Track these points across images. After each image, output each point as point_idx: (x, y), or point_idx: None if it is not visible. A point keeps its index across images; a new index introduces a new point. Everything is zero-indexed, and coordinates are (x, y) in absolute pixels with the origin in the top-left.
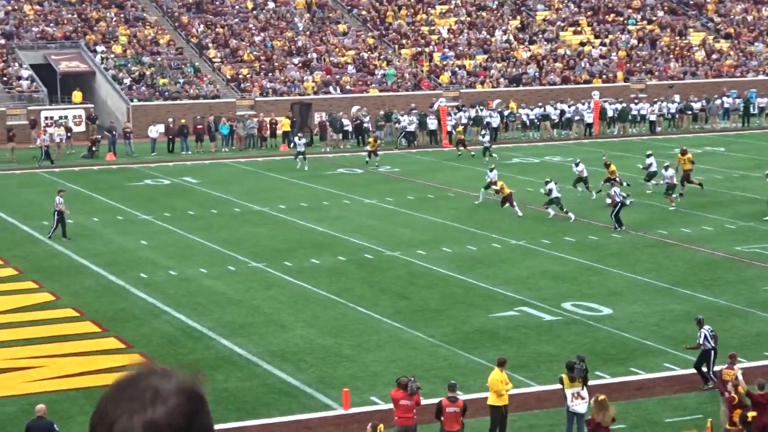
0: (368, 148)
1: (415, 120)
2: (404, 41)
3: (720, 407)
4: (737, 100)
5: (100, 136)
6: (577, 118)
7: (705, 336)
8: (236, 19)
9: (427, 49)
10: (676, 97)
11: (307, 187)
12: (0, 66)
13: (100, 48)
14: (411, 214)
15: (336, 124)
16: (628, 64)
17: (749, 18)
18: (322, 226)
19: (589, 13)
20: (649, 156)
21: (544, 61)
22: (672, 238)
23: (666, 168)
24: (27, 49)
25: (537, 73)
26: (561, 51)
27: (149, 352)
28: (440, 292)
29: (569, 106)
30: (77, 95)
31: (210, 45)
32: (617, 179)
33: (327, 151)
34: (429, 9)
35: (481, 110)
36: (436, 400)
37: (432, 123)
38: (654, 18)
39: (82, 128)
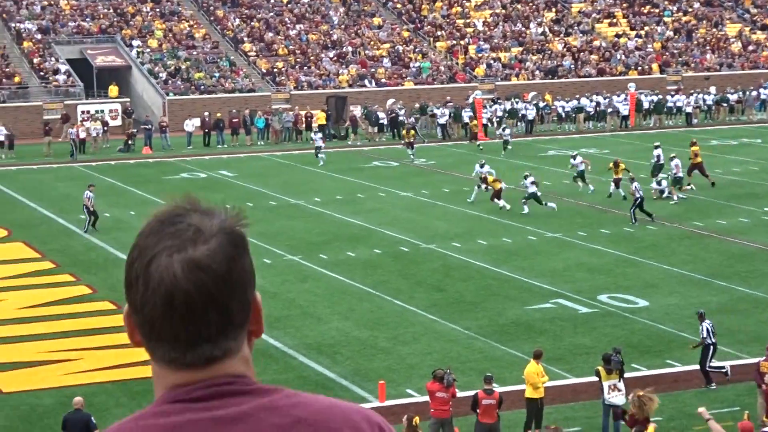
0: (405, 140)
1: (446, 112)
2: (439, 33)
3: (757, 399)
4: None
5: (135, 130)
6: (609, 110)
7: (707, 330)
8: (271, 13)
9: (462, 42)
10: (712, 89)
11: (342, 180)
12: (37, 61)
13: (135, 42)
14: (446, 206)
15: (371, 117)
16: (664, 56)
17: None
18: (357, 218)
19: (624, 4)
20: (657, 148)
21: (580, 53)
22: (708, 229)
23: (672, 158)
24: (63, 44)
25: (572, 65)
26: (596, 43)
27: None
28: (476, 285)
29: (604, 99)
30: (113, 89)
31: (245, 39)
32: (631, 176)
33: (358, 144)
34: (464, 2)
35: (517, 103)
36: (472, 393)
37: (468, 116)
38: (690, 9)
39: (118, 122)
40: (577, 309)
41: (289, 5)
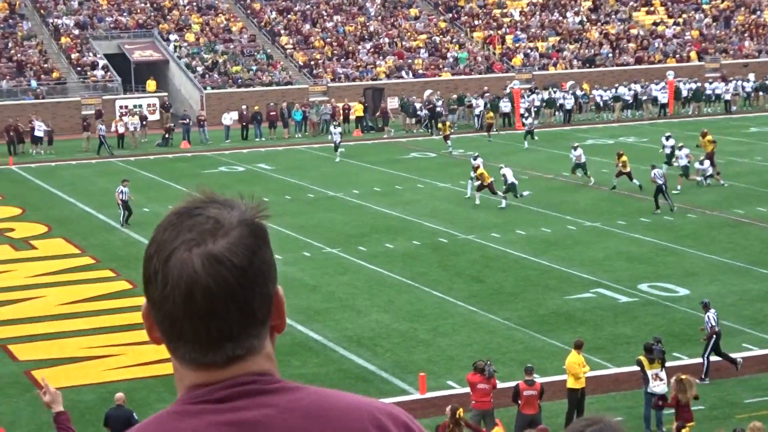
0: (441, 133)
1: (481, 103)
2: (476, 21)
3: None
4: None
5: (173, 124)
6: (644, 98)
7: (714, 319)
8: (308, 5)
9: (499, 32)
10: (751, 76)
11: (380, 171)
12: (75, 56)
13: (173, 36)
14: (484, 197)
15: (408, 108)
16: (702, 44)
17: None
18: (395, 210)
19: None
20: (668, 138)
21: (618, 42)
22: (748, 217)
23: (680, 148)
24: (101, 39)
25: (610, 54)
26: (634, 31)
27: None
28: (515, 275)
29: (642, 87)
30: (151, 84)
31: (282, 32)
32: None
33: (391, 135)
34: None
35: (554, 92)
36: (512, 384)
37: (506, 106)
38: None
39: (156, 117)
40: (618, 298)
41: None
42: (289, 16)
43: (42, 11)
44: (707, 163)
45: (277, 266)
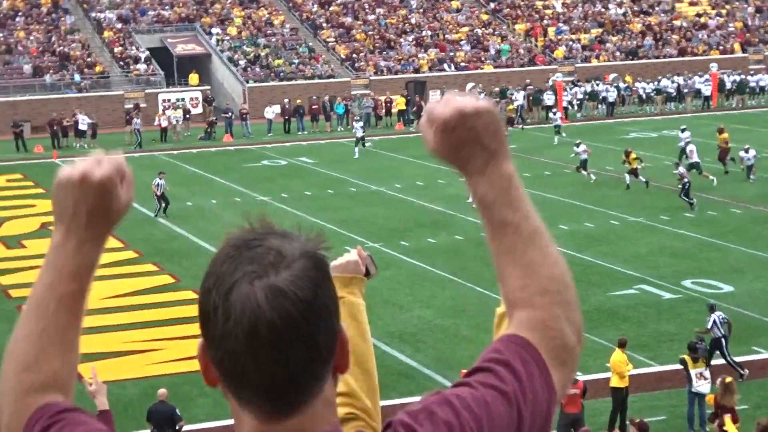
0: None
1: (520, 96)
2: (518, 11)
3: None
4: None
5: (215, 118)
6: (686, 90)
7: (715, 322)
8: None
9: (542, 23)
10: None
11: (422, 165)
12: (117, 50)
13: (215, 30)
14: (527, 191)
15: None
16: (746, 35)
17: None
18: (438, 204)
19: None
20: (684, 131)
21: (661, 34)
22: None
23: (687, 143)
24: (143, 33)
25: (653, 46)
26: (677, 23)
27: None
28: None
29: (685, 79)
30: (194, 78)
31: (324, 25)
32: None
33: (412, 130)
34: None
35: (597, 85)
36: None
37: (549, 98)
38: None
39: (199, 110)
40: (661, 295)
41: None
42: (330, 8)
43: (85, 5)
44: (752, 152)
45: None
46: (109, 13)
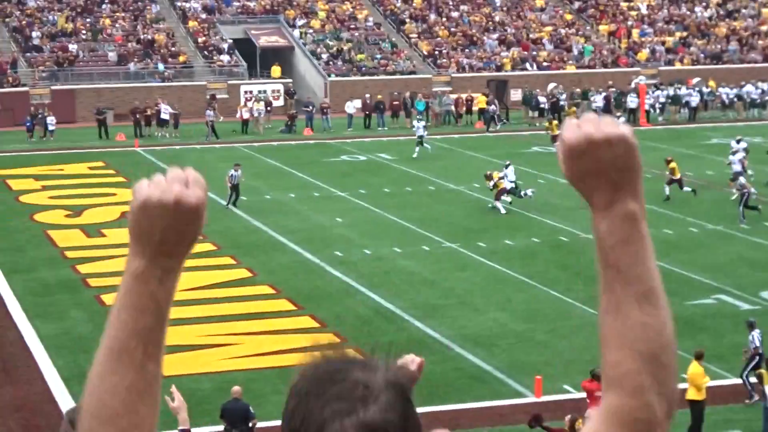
0: (549, 132)
1: (598, 99)
2: (604, 9)
3: None
4: None
5: (296, 111)
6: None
7: (758, 339)
8: None
9: (627, 24)
10: None
11: (500, 165)
12: (201, 40)
13: (299, 23)
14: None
15: (531, 101)
16: None
17: None
18: (516, 206)
19: None
20: (739, 141)
21: (746, 38)
22: None
23: (734, 152)
24: (227, 24)
25: (738, 51)
26: (764, 28)
27: (343, 332)
28: None
29: None
30: (276, 70)
31: (407, 20)
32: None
33: (497, 130)
34: None
35: (679, 89)
36: None
37: (632, 101)
38: None
39: (280, 103)
40: (739, 305)
41: None
42: (414, 4)
43: None
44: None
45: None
46: (194, 3)
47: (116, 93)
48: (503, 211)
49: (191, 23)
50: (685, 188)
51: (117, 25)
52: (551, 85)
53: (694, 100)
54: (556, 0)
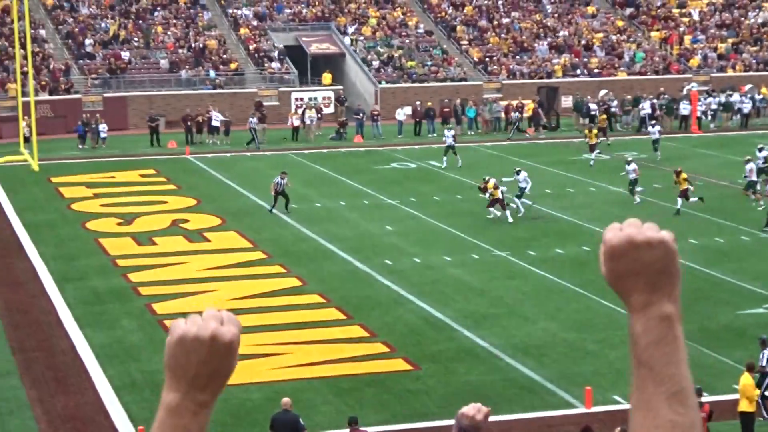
0: (587, 141)
1: (646, 106)
2: (657, 13)
3: None
4: None
5: (346, 118)
6: None
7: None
8: (486, 0)
9: (679, 30)
10: None
11: (551, 173)
12: (253, 47)
13: (350, 30)
14: (656, 203)
15: (582, 108)
16: None
17: None
18: (566, 214)
19: None
20: (761, 150)
21: None
22: None
23: (746, 161)
24: (279, 31)
25: None
26: None
27: (392, 341)
28: (685, 286)
29: None
30: (327, 77)
31: (458, 27)
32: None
33: (542, 137)
34: None
35: (731, 95)
36: None
37: (685, 108)
38: None
39: (330, 110)
40: None
41: None
42: (465, 11)
43: (222, 2)
44: (751, 165)
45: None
46: (246, 10)
47: (168, 100)
48: (496, 214)
49: (242, 30)
50: (692, 199)
51: (169, 33)
52: (602, 92)
53: (746, 106)
54: (608, 6)
